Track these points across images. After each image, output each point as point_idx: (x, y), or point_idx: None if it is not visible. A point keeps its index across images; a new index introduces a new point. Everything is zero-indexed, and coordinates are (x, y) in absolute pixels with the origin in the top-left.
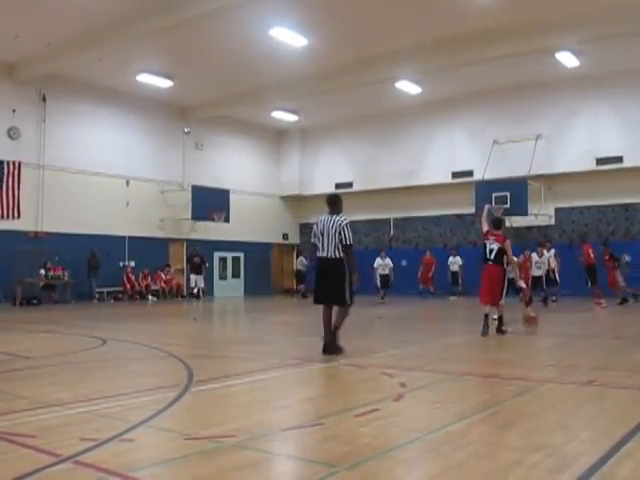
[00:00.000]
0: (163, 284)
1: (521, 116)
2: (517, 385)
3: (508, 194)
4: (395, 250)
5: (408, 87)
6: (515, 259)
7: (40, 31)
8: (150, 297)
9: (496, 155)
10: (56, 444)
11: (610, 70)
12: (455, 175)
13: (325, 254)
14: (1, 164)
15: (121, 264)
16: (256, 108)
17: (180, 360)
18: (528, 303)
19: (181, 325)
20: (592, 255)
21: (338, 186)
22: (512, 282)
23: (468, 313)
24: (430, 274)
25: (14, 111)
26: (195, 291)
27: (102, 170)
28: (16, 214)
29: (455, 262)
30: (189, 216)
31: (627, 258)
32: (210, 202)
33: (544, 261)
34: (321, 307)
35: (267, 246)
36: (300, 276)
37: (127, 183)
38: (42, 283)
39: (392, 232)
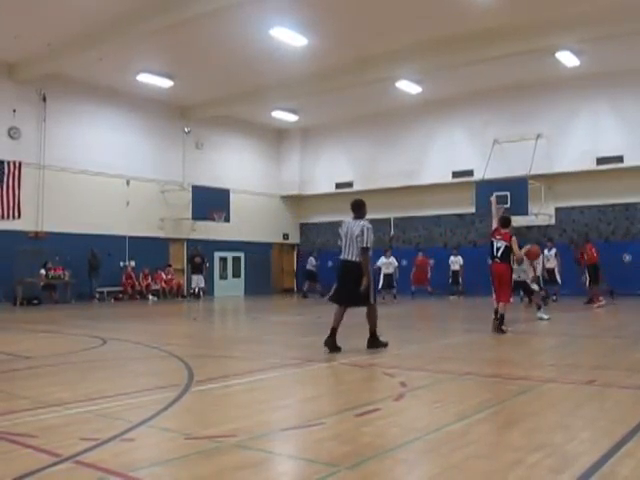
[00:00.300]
0: (163, 284)
1: (521, 116)
2: (517, 385)
3: (508, 194)
4: (395, 250)
5: (408, 87)
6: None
7: (40, 31)
8: (150, 297)
9: (496, 155)
10: (56, 444)
11: (610, 70)
12: (455, 175)
13: (348, 257)
14: (1, 164)
15: (121, 264)
16: (256, 108)
17: (180, 360)
18: (539, 305)
19: (181, 325)
20: (595, 255)
21: (338, 186)
22: (523, 284)
23: (468, 313)
24: (428, 275)
25: (14, 111)
26: (196, 291)
27: (102, 170)
28: (16, 214)
29: (456, 261)
30: (189, 216)
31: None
32: (210, 202)
33: (538, 261)
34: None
35: (267, 246)
36: (310, 276)
37: (127, 183)
38: (42, 283)
39: (392, 232)
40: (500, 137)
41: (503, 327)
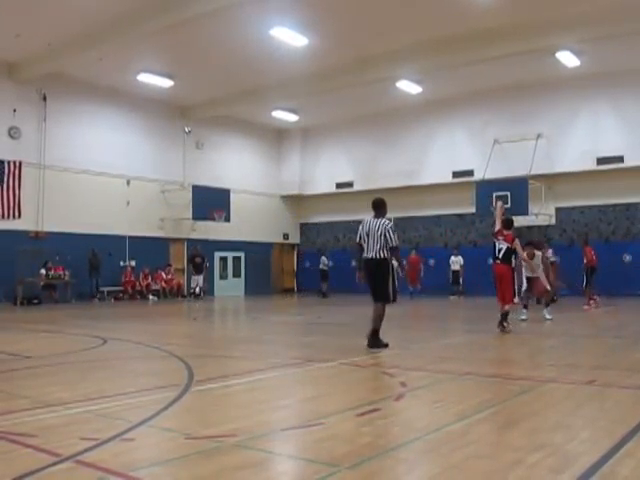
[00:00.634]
0: (164, 284)
1: (521, 116)
2: (517, 385)
3: (509, 194)
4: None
5: (408, 87)
6: (552, 258)
7: (40, 31)
8: (150, 297)
9: (496, 155)
10: (56, 444)
11: (610, 70)
12: (455, 175)
13: (370, 255)
14: (2, 164)
15: (122, 264)
16: (256, 108)
17: (180, 360)
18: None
19: (181, 325)
20: (594, 257)
21: (339, 186)
22: (533, 281)
23: (469, 313)
24: (420, 274)
25: (15, 111)
26: (197, 290)
27: (102, 170)
28: (17, 214)
29: (457, 261)
30: (190, 216)
31: (556, 259)
32: (210, 202)
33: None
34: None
35: (267, 246)
36: (323, 275)
37: (128, 183)
38: (43, 283)
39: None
40: (500, 137)
41: (505, 323)
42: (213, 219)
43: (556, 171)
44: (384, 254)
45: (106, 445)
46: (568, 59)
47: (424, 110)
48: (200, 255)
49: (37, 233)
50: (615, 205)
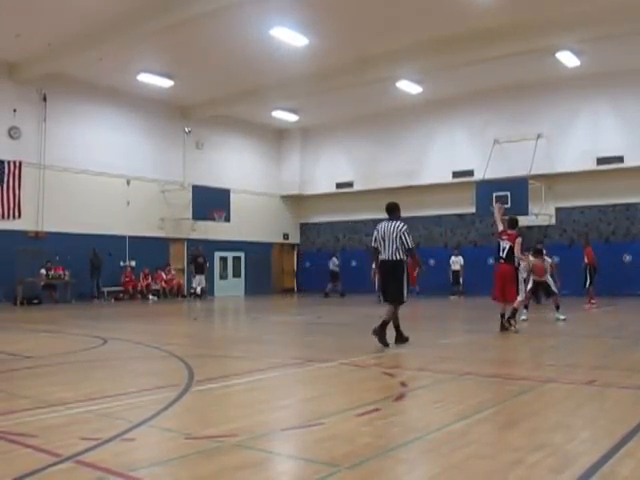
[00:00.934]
0: (164, 284)
1: (521, 116)
2: (518, 385)
3: (509, 194)
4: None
5: (408, 87)
6: (548, 260)
7: (40, 31)
8: (151, 297)
9: (496, 155)
10: (57, 444)
11: (610, 70)
12: (456, 175)
13: (386, 257)
14: (2, 164)
15: (122, 264)
16: (256, 108)
17: (180, 360)
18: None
19: (181, 325)
20: (594, 258)
21: (339, 186)
22: (544, 284)
23: (469, 313)
24: (414, 273)
25: (15, 111)
26: (198, 291)
27: (103, 170)
28: (17, 214)
29: (457, 261)
30: (190, 216)
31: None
32: (211, 202)
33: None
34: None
35: (267, 246)
36: (333, 276)
37: (128, 183)
38: (43, 283)
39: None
40: (500, 137)
41: (512, 321)
42: (213, 219)
43: (556, 171)
44: (399, 256)
45: (106, 445)
46: (568, 59)
47: (424, 110)
48: (202, 255)
49: (37, 233)
50: (615, 205)
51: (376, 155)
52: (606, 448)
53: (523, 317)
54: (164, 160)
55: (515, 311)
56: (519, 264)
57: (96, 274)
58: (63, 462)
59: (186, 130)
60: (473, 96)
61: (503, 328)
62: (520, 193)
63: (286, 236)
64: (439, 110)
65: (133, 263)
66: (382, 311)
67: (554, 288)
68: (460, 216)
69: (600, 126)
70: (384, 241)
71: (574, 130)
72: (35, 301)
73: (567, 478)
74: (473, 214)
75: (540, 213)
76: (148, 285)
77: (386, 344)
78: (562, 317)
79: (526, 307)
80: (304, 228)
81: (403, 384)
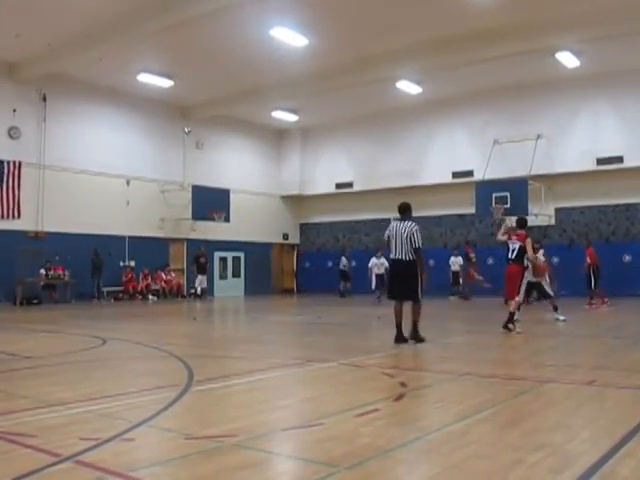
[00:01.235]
0: (163, 284)
1: (521, 116)
2: (517, 385)
3: (508, 194)
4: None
5: (408, 87)
6: (541, 259)
7: (40, 31)
8: (150, 297)
9: (496, 155)
10: (56, 444)
11: (610, 70)
12: (455, 175)
13: (397, 256)
14: (1, 164)
15: (121, 264)
16: (256, 108)
17: (180, 360)
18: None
19: (181, 325)
20: (596, 256)
21: (339, 186)
22: (537, 285)
23: (468, 313)
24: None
25: (14, 111)
26: (198, 291)
27: (102, 170)
28: (16, 214)
29: (456, 262)
30: (189, 216)
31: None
32: (210, 202)
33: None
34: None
35: (267, 246)
36: (343, 275)
37: (127, 183)
38: (42, 283)
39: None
40: (500, 137)
41: (510, 325)
42: (213, 219)
43: (556, 171)
44: (411, 256)
45: (106, 445)
46: (568, 59)
47: (424, 110)
48: (204, 255)
49: (37, 233)
50: (615, 205)
51: (376, 155)
52: (606, 448)
53: (515, 317)
54: (164, 160)
55: (513, 314)
56: (527, 265)
57: (97, 274)
58: (62, 462)
59: (186, 130)
60: (473, 96)
61: (506, 327)
62: (520, 193)
63: (286, 236)
64: (439, 110)
65: (133, 263)
66: (380, 311)
67: (549, 290)
68: (460, 216)
69: (600, 126)
70: (395, 240)
71: (574, 130)
72: (35, 301)
73: (567, 478)
74: (473, 214)
75: (540, 213)
76: (148, 285)
77: (422, 339)
78: (562, 318)
79: (556, 307)
80: (304, 228)
81: (403, 384)
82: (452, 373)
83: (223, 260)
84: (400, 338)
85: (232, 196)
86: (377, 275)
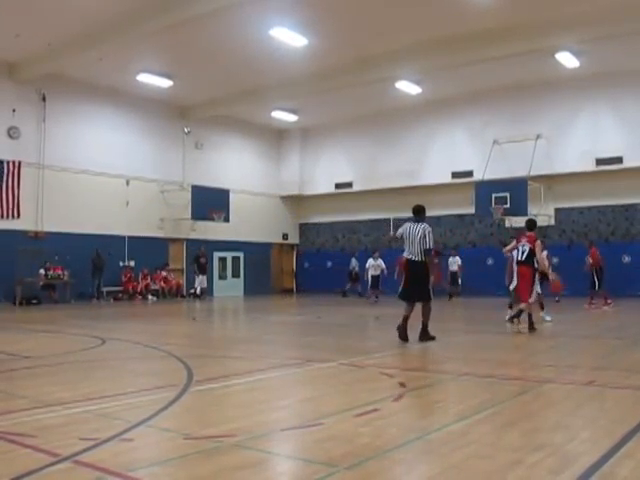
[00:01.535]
0: (163, 284)
1: (521, 116)
2: (517, 385)
3: (508, 194)
4: (396, 250)
5: (408, 87)
6: (545, 261)
7: (40, 31)
8: (150, 297)
9: (496, 155)
10: (55, 444)
11: (610, 70)
12: (455, 175)
13: (411, 257)
14: (1, 164)
15: (121, 264)
16: (256, 108)
17: (180, 360)
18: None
19: (181, 325)
20: (599, 256)
21: (338, 186)
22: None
23: (467, 313)
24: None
25: (14, 111)
26: (198, 291)
27: (102, 170)
28: (16, 214)
29: (454, 262)
30: (189, 216)
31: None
32: (210, 202)
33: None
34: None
35: (267, 246)
36: (353, 276)
37: (127, 183)
38: (42, 283)
39: (391, 232)
40: (500, 137)
41: (514, 320)
42: (212, 219)
43: (555, 172)
44: (424, 257)
45: (105, 445)
46: (567, 60)
47: (424, 110)
48: (205, 255)
49: (36, 233)
50: (614, 206)
51: (376, 155)
52: (606, 448)
53: (507, 317)
54: (163, 160)
55: (520, 312)
56: (537, 267)
57: (98, 274)
58: (62, 462)
59: (185, 130)
60: (473, 96)
61: (532, 328)
62: (519, 194)
63: (285, 236)
64: (439, 110)
65: (132, 263)
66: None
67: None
68: (459, 217)
69: (599, 127)
70: (408, 241)
71: (574, 131)
72: (34, 301)
73: (567, 478)
74: (472, 215)
75: (539, 214)
76: (147, 285)
77: (432, 338)
78: (548, 318)
79: (510, 307)
80: (303, 228)
81: (402, 384)
82: (452, 373)
83: (223, 260)
84: (405, 337)
85: (232, 196)
86: (373, 276)
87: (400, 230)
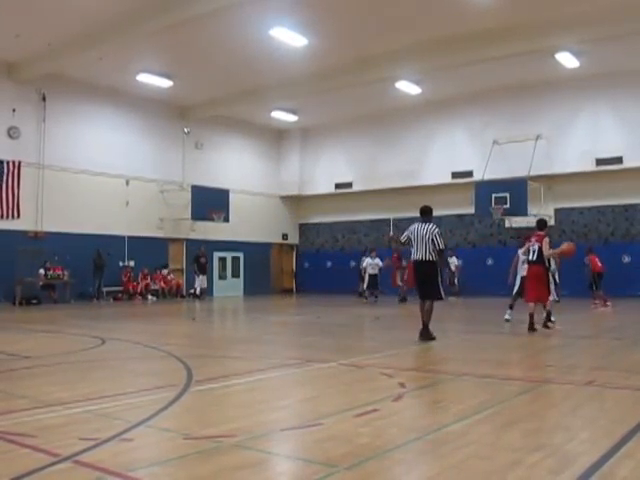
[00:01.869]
0: (162, 284)
1: (521, 116)
2: (517, 385)
3: (508, 194)
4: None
5: (408, 87)
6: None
7: (40, 31)
8: (150, 297)
9: (496, 155)
10: (55, 444)
11: (610, 70)
12: (455, 175)
13: (419, 257)
14: (1, 164)
15: (121, 264)
16: (256, 108)
17: (179, 360)
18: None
19: (180, 325)
20: (599, 263)
21: (338, 186)
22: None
23: (466, 313)
24: (396, 276)
25: (14, 111)
26: (197, 291)
27: (102, 170)
28: (16, 214)
29: (452, 262)
30: (189, 216)
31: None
32: (210, 202)
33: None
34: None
35: (267, 246)
36: (363, 277)
37: (127, 183)
38: (42, 283)
39: (391, 232)
40: (500, 138)
41: (549, 323)
42: (212, 219)
43: (555, 172)
44: (433, 257)
45: (105, 445)
46: (567, 60)
47: (424, 110)
48: (205, 255)
49: (36, 233)
50: (614, 206)
51: (375, 155)
52: (605, 448)
53: (506, 317)
54: (163, 160)
55: (550, 313)
56: (549, 265)
57: (99, 275)
58: (61, 462)
59: (185, 130)
60: (473, 96)
61: (532, 329)
62: (519, 194)
63: (285, 236)
64: (439, 110)
65: (132, 263)
66: (376, 312)
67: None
68: (459, 217)
69: (599, 127)
70: (416, 242)
71: (573, 131)
72: (34, 301)
73: (566, 478)
74: (472, 215)
75: (539, 214)
76: (147, 285)
77: (433, 338)
78: (507, 317)
79: (511, 307)
80: (303, 228)
81: (402, 385)
82: (451, 373)
83: (222, 260)
84: (427, 335)
85: (231, 196)
86: (371, 275)
87: (406, 233)
